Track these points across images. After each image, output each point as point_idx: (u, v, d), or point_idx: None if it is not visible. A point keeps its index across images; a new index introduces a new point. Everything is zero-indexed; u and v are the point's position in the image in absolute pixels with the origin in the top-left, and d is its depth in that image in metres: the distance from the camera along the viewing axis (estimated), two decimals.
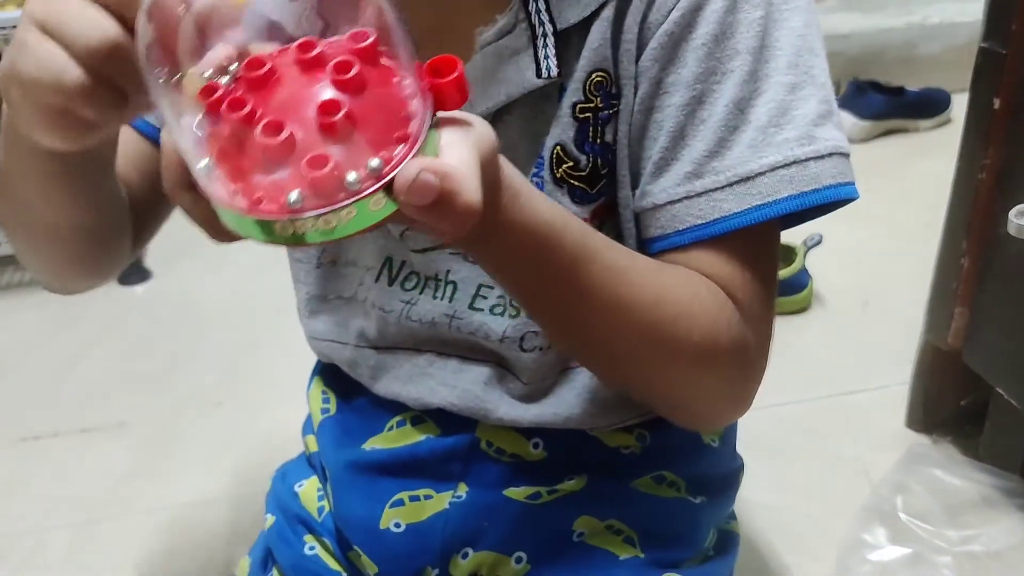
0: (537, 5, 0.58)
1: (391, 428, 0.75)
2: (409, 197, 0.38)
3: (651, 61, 0.59)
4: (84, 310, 1.74)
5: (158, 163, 0.67)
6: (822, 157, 0.57)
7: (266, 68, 0.39)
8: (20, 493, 1.35)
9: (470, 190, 0.39)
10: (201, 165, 0.39)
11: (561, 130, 0.61)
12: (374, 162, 0.38)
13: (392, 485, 0.73)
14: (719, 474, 0.80)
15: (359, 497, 0.74)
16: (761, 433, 0.83)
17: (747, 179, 0.57)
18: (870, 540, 1.09)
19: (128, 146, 0.68)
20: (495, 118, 0.61)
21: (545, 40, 0.59)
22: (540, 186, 0.63)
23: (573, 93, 0.60)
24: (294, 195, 0.37)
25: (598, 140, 0.62)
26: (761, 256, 0.60)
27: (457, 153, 0.40)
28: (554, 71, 0.59)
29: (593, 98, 0.61)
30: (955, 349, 1.17)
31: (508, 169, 0.47)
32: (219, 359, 1.60)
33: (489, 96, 0.60)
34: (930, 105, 2.22)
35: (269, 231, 0.38)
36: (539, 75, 0.59)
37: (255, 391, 1.51)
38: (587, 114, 0.61)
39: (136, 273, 1.82)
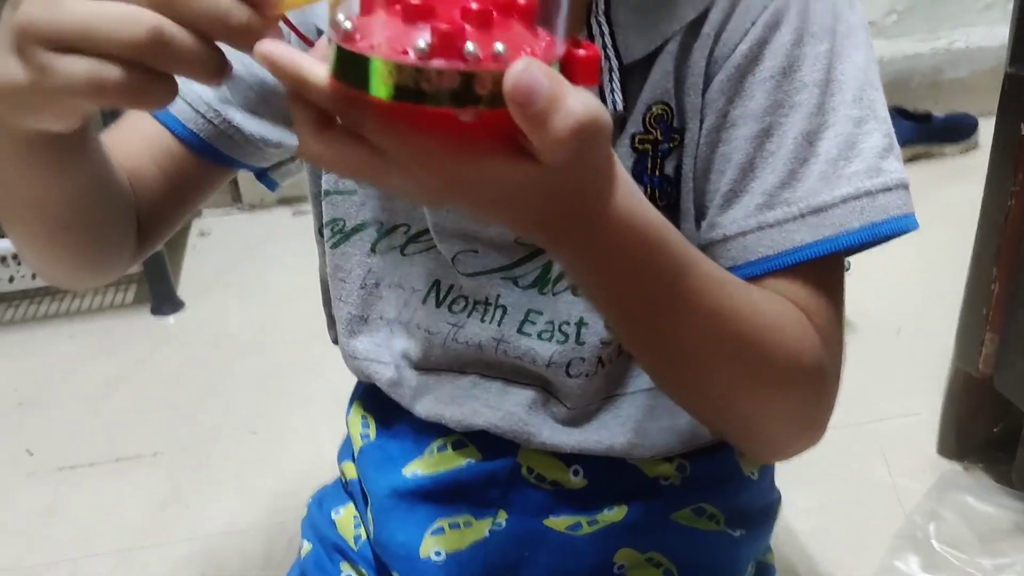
0: (604, 40, 0.59)
1: (431, 452, 0.75)
2: (515, 87, 0.36)
3: (718, 93, 0.60)
4: (118, 340, 1.77)
5: (180, 158, 0.68)
6: (889, 189, 0.59)
7: None
8: (57, 522, 1.37)
9: (576, 105, 0.38)
10: (340, 15, 0.38)
11: (620, 162, 0.62)
12: (499, 47, 0.37)
13: (432, 512, 0.74)
14: (758, 507, 0.80)
15: (399, 524, 0.74)
16: (795, 460, 0.83)
17: (819, 210, 0.58)
18: (903, 568, 1.08)
19: (149, 138, 0.67)
20: None
21: (611, 74, 0.60)
22: None
23: (633, 124, 0.61)
24: (421, 41, 0.37)
25: (657, 172, 0.62)
26: (830, 285, 0.61)
27: (579, 93, 0.39)
28: (619, 105, 0.60)
29: (652, 130, 0.61)
30: (986, 375, 1.17)
31: (620, 166, 0.46)
32: (252, 387, 1.61)
33: None
34: (957, 130, 2.21)
35: (368, 75, 0.37)
36: None
37: (288, 419, 1.52)
38: (646, 146, 0.62)
39: (168, 303, 1.84)
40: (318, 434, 1.43)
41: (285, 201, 2.17)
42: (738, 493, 0.77)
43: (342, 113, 0.40)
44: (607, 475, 0.73)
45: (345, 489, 0.84)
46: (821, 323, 0.59)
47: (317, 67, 0.39)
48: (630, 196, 0.47)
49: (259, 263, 1.96)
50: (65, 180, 0.55)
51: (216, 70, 0.42)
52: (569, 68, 0.40)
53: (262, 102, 0.69)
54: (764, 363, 0.57)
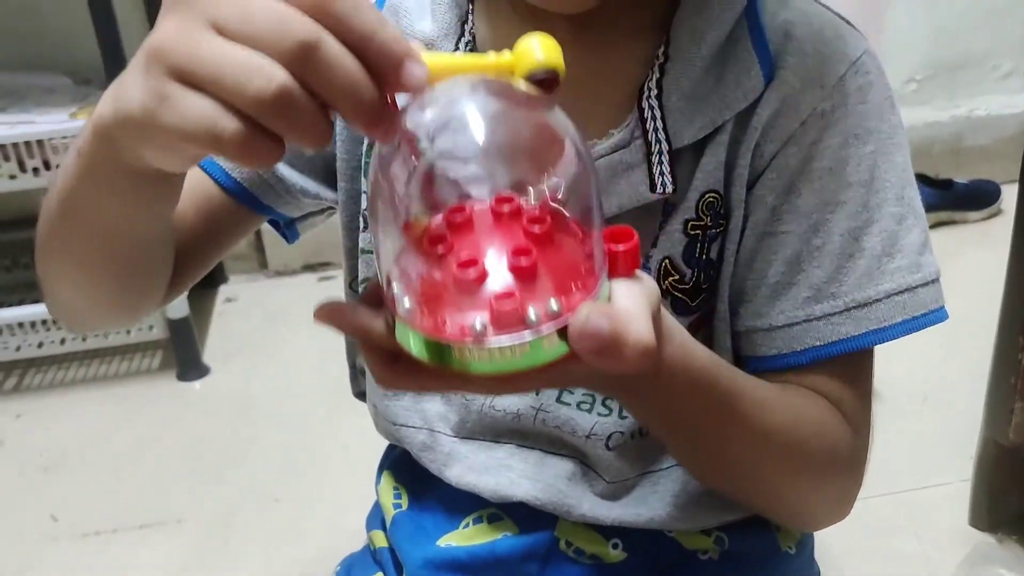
0: (655, 124, 0.61)
1: (467, 525, 0.74)
2: (581, 339, 0.40)
3: (767, 190, 0.63)
4: (143, 405, 1.78)
5: (218, 204, 0.70)
6: (927, 284, 0.63)
7: (466, 213, 0.42)
8: None
9: (640, 332, 0.41)
10: (396, 290, 0.42)
11: (671, 245, 0.64)
12: (554, 304, 0.40)
13: None
14: None
15: None
16: (824, 531, 0.82)
17: (864, 305, 0.62)
18: None
19: (190, 182, 0.66)
20: None
21: (660, 157, 0.61)
22: None
23: (686, 211, 0.63)
24: (478, 322, 0.40)
25: (703, 256, 0.64)
26: (865, 372, 0.66)
27: (627, 301, 0.42)
28: (669, 188, 0.62)
29: (704, 216, 0.63)
30: (1017, 444, 1.16)
31: (669, 319, 0.50)
32: (276, 454, 1.61)
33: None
34: (979, 197, 2.22)
35: (445, 355, 0.41)
36: (653, 190, 0.62)
37: (312, 486, 1.52)
38: (697, 231, 0.64)
39: (194, 369, 1.85)
40: (342, 502, 1.42)
41: (310, 267, 2.19)
42: (777, 569, 0.76)
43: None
44: (646, 548, 0.72)
45: (374, 558, 0.83)
46: (853, 411, 0.64)
47: (377, 323, 0.43)
48: (683, 345, 0.51)
49: (284, 329, 1.97)
50: (151, 219, 0.55)
51: (323, 140, 0.40)
52: (612, 264, 0.43)
53: (302, 154, 0.70)
54: (805, 466, 0.63)
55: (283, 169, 0.70)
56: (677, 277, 0.65)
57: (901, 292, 0.62)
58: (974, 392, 1.23)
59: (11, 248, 1.99)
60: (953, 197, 2.19)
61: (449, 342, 0.40)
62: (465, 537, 0.74)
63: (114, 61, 1.59)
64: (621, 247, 0.43)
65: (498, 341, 0.40)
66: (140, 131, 0.41)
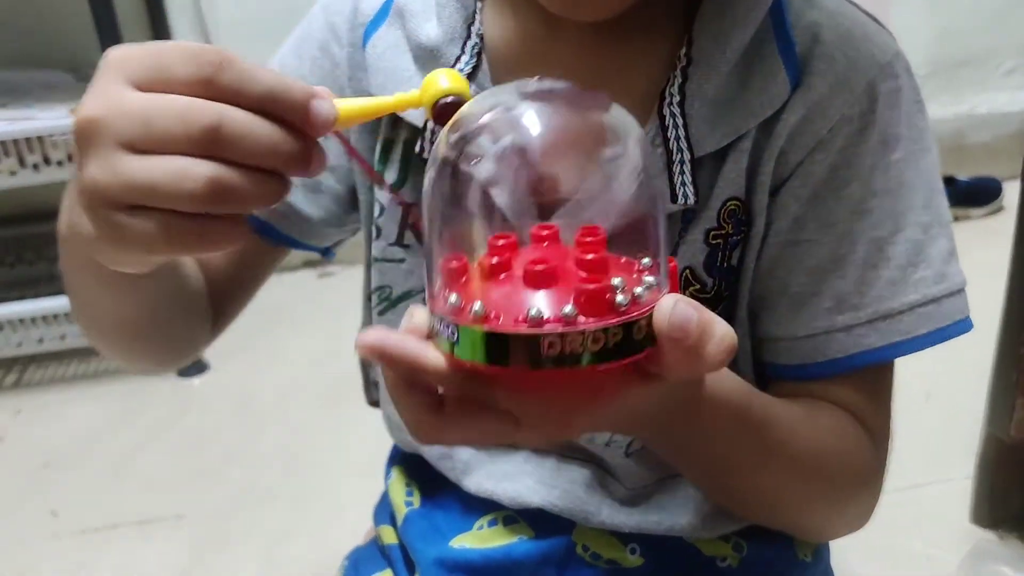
0: (677, 132, 0.58)
1: (481, 527, 0.73)
2: (671, 326, 0.38)
3: (791, 198, 0.60)
4: (143, 403, 1.78)
5: (244, 243, 0.70)
6: (952, 295, 0.61)
7: (520, 236, 0.41)
8: None
9: (726, 327, 0.40)
10: (454, 300, 0.39)
11: (692, 254, 0.61)
12: (639, 289, 0.38)
13: None
14: None
15: None
16: None
17: (888, 316, 0.60)
18: None
19: None
20: None
21: (682, 167, 0.58)
22: None
23: (707, 220, 0.61)
24: (568, 307, 0.37)
25: (725, 264, 0.62)
26: (886, 384, 0.65)
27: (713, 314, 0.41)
28: (691, 199, 0.59)
29: (726, 225, 0.61)
30: (1019, 441, 1.15)
31: None
32: (276, 451, 1.61)
33: None
34: (982, 194, 2.21)
35: (534, 352, 0.37)
36: (674, 200, 0.59)
37: (312, 483, 1.52)
38: (719, 240, 0.61)
39: (194, 366, 1.85)
40: (341, 498, 1.42)
41: (310, 264, 2.19)
42: None
43: (466, 389, 0.40)
44: (664, 554, 0.70)
45: (382, 553, 0.82)
46: (875, 422, 0.64)
47: (431, 351, 0.39)
48: (723, 379, 0.51)
49: (284, 326, 1.97)
50: (144, 298, 0.58)
51: (277, 196, 0.42)
52: (673, 283, 0.42)
53: (317, 185, 0.70)
54: (828, 490, 0.63)
55: (302, 204, 0.70)
56: (698, 287, 0.62)
57: (926, 304, 0.60)
58: (976, 389, 1.23)
59: (12, 244, 1.99)
60: (955, 194, 2.19)
61: (536, 334, 0.36)
62: (480, 539, 0.73)
63: None
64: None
65: (596, 325, 0.36)
66: (110, 259, 0.45)
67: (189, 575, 1.35)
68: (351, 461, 1.48)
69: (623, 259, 0.41)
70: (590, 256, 0.38)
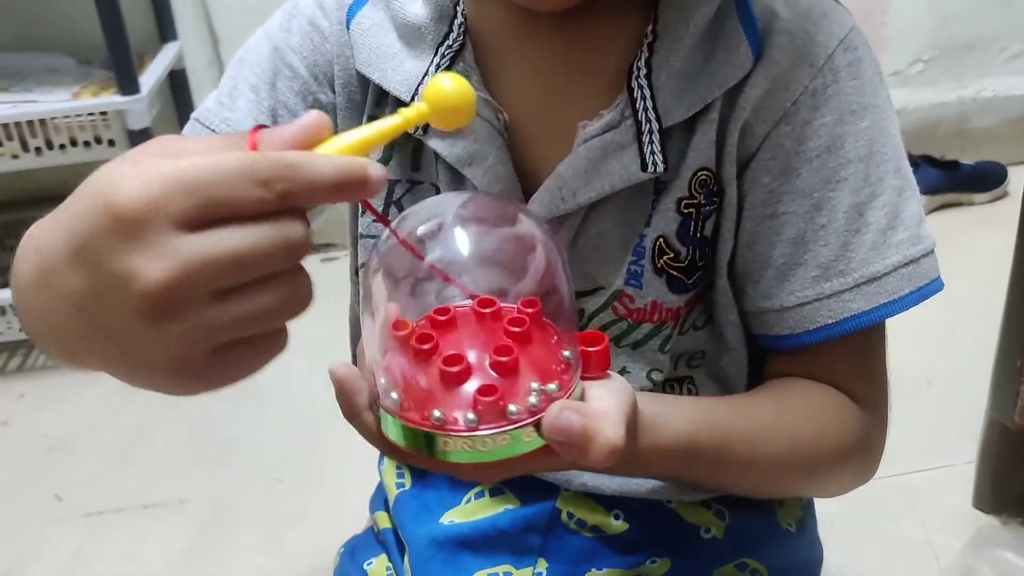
0: (645, 103, 0.61)
1: (468, 500, 0.75)
2: (552, 433, 0.44)
3: (762, 171, 0.63)
4: None
5: None
6: (927, 255, 0.64)
7: (451, 315, 0.48)
8: (84, 568, 1.37)
9: (609, 432, 0.45)
10: (383, 383, 0.47)
11: (665, 223, 0.64)
12: (532, 399, 0.45)
13: (472, 562, 0.73)
14: (800, 563, 0.79)
15: (438, 574, 0.73)
16: (826, 514, 0.82)
17: (873, 279, 0.63)
18: None
19: None
20: (591, 208, 0.63)
21: (651, 136, 0.61)
22: (640, 275, 0.65)
23: (679, 189, 0.63)
24: (463, 415, 0.44)
25: (698, 234, 0.64)
26: (877, 349, 0.67)
27: (601, 402, 0.47)
28: (660, 167, 0.61)
29: (697, 195, 0.63)
30: (1022, 426, 1.15)
31: (643, 405, 0.53)
32: (279, 436, 1.61)
33: (592, 187, 0.62)
34: (986, 178, 2.20)
35: (429, 444, 0.45)
36: (644, 169, 0.61)
37: (315, 468, 1.52)
38: (691, 209, 0.63)
39: None
40: (344, 483, 1.42)
41: (313, 248, 2.19)
42: (780, 548, 0.77)
43: (394, 455, 0.51)
44: (647, 519, 0.72)
45: (377, 539, 0.83)
46: (868, 387, 0.66)
47: (368, 415, 0.49)
48: (658, 429, 0.55)
49: None
50: None
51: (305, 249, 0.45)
52: (585, 364, 0.48)
53: None
54: (812, 469, 0.66)
55: None
56: (672, 255, 0.64)
57: (907, 264, 0.63)
58: (979, 374, 1.23)
59: (14, 227, 1.98)
60: (959, 179, 2.18)
61: (433, 432, 0.44)
62: (467, 512, 0.75)
63: (116, 40, 1.59)
64: (592, 349, 0.48)
65: (480, 432, 0.44)
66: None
67: (192, 559, 1.36)
68: (354, 446, 1.48)
69: (554, 337, 0.48)
70: (505, 359, 0.45)
